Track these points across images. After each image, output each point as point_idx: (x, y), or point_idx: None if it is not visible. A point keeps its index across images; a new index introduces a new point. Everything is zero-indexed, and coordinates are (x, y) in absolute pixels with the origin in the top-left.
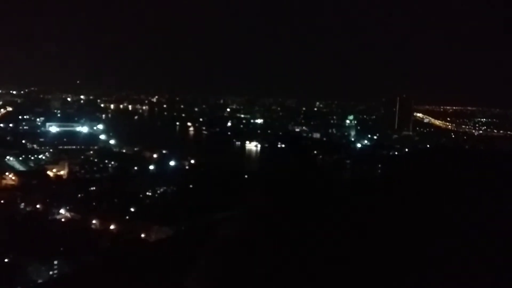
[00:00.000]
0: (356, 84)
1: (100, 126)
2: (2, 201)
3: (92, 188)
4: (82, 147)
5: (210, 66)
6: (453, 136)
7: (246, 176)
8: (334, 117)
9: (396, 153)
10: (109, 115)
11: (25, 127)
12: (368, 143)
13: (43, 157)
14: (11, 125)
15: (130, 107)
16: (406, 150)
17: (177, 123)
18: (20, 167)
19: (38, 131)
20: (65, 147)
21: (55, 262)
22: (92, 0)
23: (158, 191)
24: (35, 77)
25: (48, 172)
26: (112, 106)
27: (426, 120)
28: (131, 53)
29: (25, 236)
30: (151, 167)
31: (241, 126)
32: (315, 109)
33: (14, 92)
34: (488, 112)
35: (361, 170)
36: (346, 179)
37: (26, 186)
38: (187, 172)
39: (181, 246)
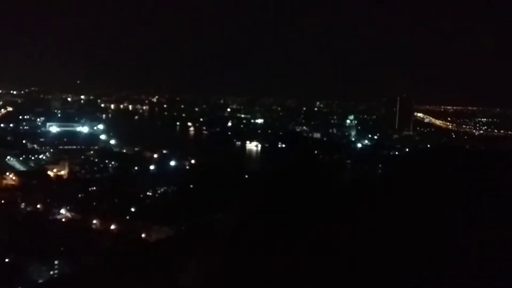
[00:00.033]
0: (356, 84)
1: (101, 126)
2: (2, 201)
3: (92, 188)
4: (83, 147)
5: (210, 66)
6: (453, 136)
7: (246, 176)
8: (335, 117)
9: (396, 153)
10: (110, 115)
11: (25, 127)
12: (369, 143)
13: (44, 157)
14: (11, 125)
15: (130, 107)
16: (407, 150)
17: (178, 123)
18: (21, 167)
19: (39, 131)
20: (66, 147)
21: (56, 262)
22: (92, 0)
23: (159, 191)
24: (35, 77)
25: (49, 172)
26: (112, 106)
27: (426, 120)
28: (131, 53)
29: (25, 236)
30: (152, 167)
31: (242, 126)
32: (316, 109)
33: (14, 92)
34: (489, 112)
35: (362, 170)
36: (346, 179)
37: (27, 186)
38: (188, 172)
39: (182, 246)
